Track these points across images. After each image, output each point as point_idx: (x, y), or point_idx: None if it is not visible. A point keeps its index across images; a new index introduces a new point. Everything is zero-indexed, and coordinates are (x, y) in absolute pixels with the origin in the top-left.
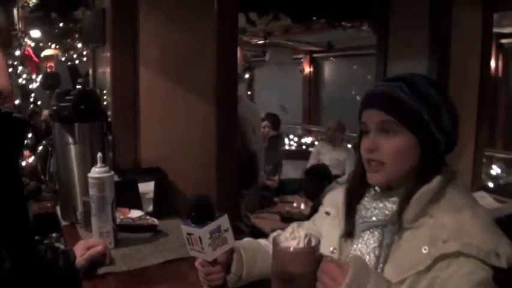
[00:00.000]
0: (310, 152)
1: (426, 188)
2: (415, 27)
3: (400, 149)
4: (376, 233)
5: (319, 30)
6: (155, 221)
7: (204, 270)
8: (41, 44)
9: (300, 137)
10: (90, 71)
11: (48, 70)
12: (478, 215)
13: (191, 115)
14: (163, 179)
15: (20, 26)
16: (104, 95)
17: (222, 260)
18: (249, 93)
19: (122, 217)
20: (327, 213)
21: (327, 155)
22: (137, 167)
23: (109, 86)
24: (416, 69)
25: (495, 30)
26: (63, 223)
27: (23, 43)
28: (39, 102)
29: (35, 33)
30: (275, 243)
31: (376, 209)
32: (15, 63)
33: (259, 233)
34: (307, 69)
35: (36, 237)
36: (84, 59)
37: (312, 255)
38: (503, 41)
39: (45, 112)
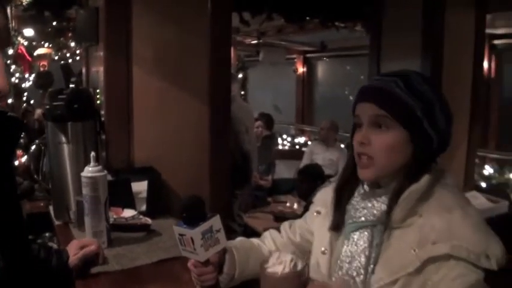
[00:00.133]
0: (303, 152)
1: (414, 188)
2: (408, 27)
3: (391, 144)
4: (366, 233)
5: (313, 30)
6: (148, 220)
7: (196, 271)
8: (34, 43)
9: (293, 137)
10: (84, 70)
11: (41, 69)
12: (468, 214)
13: (184, 115)
14: (156, 179)
15: (13, 24)
16: (97, 94)
17: (214, 261)
18: (242, 93)
19: (115, 216)
20: (318, 212)
21: (320, 155)
22: (130, 167)
23: (102, 85)
24: None
25: (488, 31)
26: (56, 223)
27: (16, 42)
28: (32, 101)
29: (28, 31)
30: (262, 268)
31: (364, 208)
32: (8, 61)
33: (252, 233)
34: (301, 69)
35: (29, 237)
36: (78, 58)
37: (298, 279)
38: (496, 42)
39: (38, 111)
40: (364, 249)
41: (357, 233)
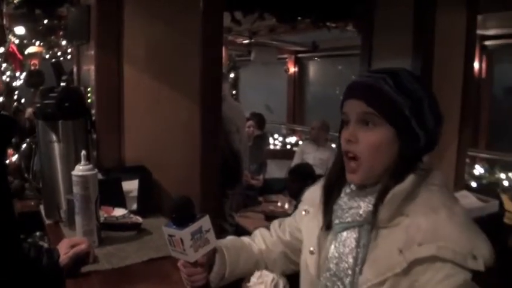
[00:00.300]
0: (294, 152)
1: (398, 189)
2: (399, 28)
3: (378, 142)
4: (353, 233)
5: (304, 30)
6: (139, 219)
7: (186, 271)
8: (25, 41)
9: (284, 137)
10: (75, 69)
11: (32, 68)
12: (454, 214)
13: (175, 114)
14: (147, 178)
15: (5, 22)
16: (88, 92)
17: (203, 261)
18: (234, 92)
19: (105, 215)
20: (306, 211)
21: (311, 155)
22: (121, 165)
23: (93, 83)
24: None
25: (479, 32)
26: (47, 222)
27: (8, 40)
28: (23, 100)
29: (20, 29)
30: (243, 287)
31: (351, 209)
32: (0, 60)
33: (243, 232)
34: (292, 69)
35: (20, 236)
36: (69, 56)
37: None
38: (487, 42)
39: (29, 110)
40: (352, 250)
41: (344, 233)
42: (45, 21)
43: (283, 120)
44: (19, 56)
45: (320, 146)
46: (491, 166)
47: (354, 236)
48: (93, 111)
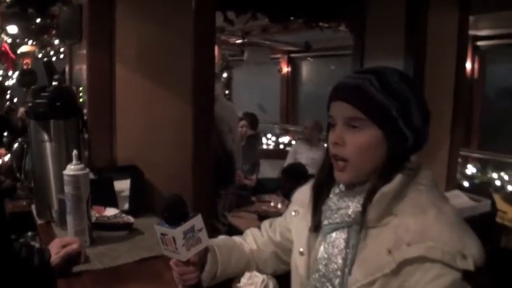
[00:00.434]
0: (287, 152)
1: (386, 189)
2: (392, 28)
3: (366, 144)
4: (342, 234)
5: (297, 30)
6: (131, 219)
7: (178, 270)
8: (17, 40)
9: (277, 137)
10: (67, 68)
11: (25, 67)
12: (443, 214)
13: (168, 113)
14: (139, 177)
15: None
16: (80, 92)
17: (195, 260)
18: (227, 92)
19: (97, 215)
20: (296, 212)
21: (304, 154)
22: (113, 165)
23: (85, 83)
24: None
25: (471, 32)
26: (39, 222)
27: (0, 39)
28: (15, 100)
29: (12, 28)
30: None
31: (340, 209)
32: None
33: (236, 232)
34: (285, 69)
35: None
36: (61, 56)
37: None
38: (480, 43)
39: (21, 110)
40: (341, 251)
41: (334, 234)
42: (38, 20)
43: (276, 120)
44: (11, 55)
45: (313, 146)
46: (484, 166)
47: (343, 236)
48: (85, 111)
